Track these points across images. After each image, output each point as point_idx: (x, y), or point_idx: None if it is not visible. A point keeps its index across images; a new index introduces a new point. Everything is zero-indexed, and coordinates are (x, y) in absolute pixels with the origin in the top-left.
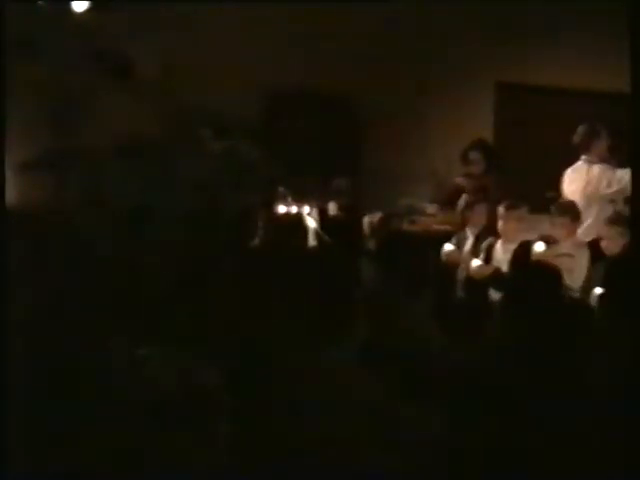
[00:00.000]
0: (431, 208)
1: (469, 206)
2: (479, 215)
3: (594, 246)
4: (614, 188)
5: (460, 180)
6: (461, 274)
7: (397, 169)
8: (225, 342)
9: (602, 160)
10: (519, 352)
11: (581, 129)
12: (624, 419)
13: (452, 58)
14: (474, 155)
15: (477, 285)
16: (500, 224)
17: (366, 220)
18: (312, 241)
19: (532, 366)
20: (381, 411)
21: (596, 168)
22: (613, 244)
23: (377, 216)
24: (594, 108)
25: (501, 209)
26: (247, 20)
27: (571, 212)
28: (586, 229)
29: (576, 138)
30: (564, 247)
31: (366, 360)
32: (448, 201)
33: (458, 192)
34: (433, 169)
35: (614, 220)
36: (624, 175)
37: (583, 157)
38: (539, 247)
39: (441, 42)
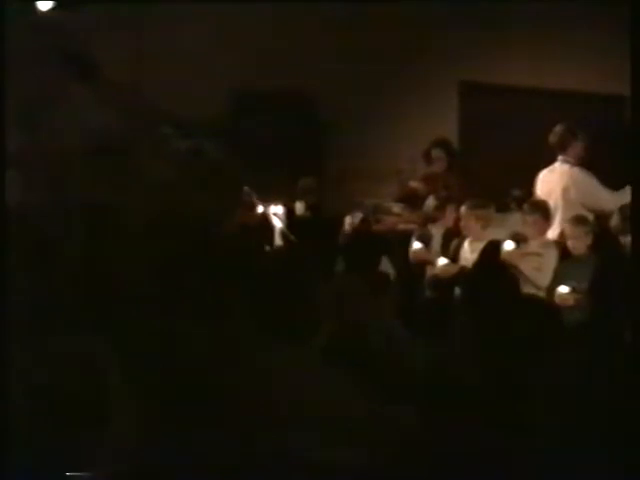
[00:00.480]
0: (397, 207)
1: (441, 206)
2: (447, 214)
3: (562, 245)
4: (583, 196)
5: (415, 184)
6: (428, 273)
7: (363, 168)
8: (189, 339)
9: (578, 161)
10: (483, 350)
11: (557, 129)
12: (590, 416)
13: (417, 57)
14: (437, 153)
15: (444, 284)
16: (464, 223)
17: (347, 220)
18: (278, 241)
19: (495, 365)
20: (348, 409)
21: (570, 170)
22: (579, 243)
23: (358, 216)
24: (559, 107)
25: (466, 208)
26: (214, 20)
27: (543, 210)
28: (555, 229)
29: (552, 138)
30: (533, 246)
31: (332, 359)
32: (407, 200)
33: (417, 192)
34: (398, 168)
35: (579, 220)
36: (595, 187)
37: (560, 157)
38: (508, 246)
39: (406, 41)
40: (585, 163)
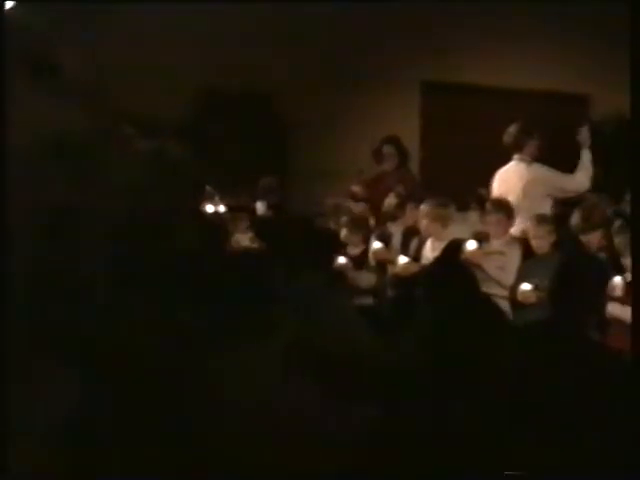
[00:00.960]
0: (357, 207)
1: (401, 204)
2: (408, 212)
3: (525, 244)
4: (548, 188)
5: (355, 188)
6: (389, 272)
7: (324, 168)
8: (147, 341)
9: (534, 159)
10: (443, 350)
11: (512, 129)
12: (544, 416)
13: (378, 57)
14: (388, 149)
15: (404, 282)
16: (424, 223)
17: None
18: (240, 240)
19: (456, 365)
20: (311, 409)
21: (529, 167)
22: (542, 242)
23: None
24: (520, 107)
25: (425, 207)
26: (177, 20)
27: (506, 209)
28: (517, 227)
29: (507, 138)
30: (496, 245)
31: (292, 360)
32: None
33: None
34: (360, 168)
35: (542, 219)
36: (556, 175)
37: (515, 156)
38: (471, 245)
39: (366, 41)
40: (540, 161)
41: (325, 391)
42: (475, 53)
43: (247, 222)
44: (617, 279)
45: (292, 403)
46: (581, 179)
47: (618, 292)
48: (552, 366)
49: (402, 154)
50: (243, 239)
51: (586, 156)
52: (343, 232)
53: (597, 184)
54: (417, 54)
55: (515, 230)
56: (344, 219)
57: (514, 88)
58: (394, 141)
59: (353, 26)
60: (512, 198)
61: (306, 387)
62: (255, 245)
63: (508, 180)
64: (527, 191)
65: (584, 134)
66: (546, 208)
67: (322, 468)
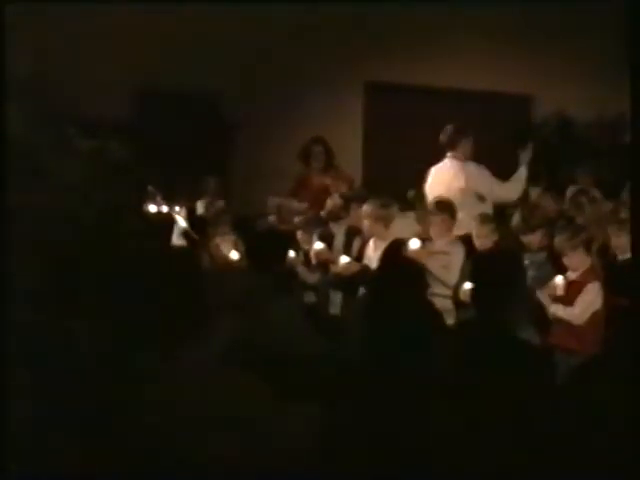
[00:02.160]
0: (299, 207)
1: (346, 204)
2: (354, 213)
3: (468, 243)
4: (480, 187)
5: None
6: (331, 271)
7: (267, 168)
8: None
9: (467, 159)
10: (383, 348)
11: (448, 128)
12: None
13: (320, 58)
14: (317, 148)
15: (346, 282)
16: (366, 223)
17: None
18: (182, 240)
19: (396, 362)
20: (253, 408)
21: (463, 166)
22: (485, 242)
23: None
24: (463, 107)
25: (367, 208)
26: (117, 20)
27: (449, 209)
28: (463, 222)
29: (443, 137)
30: (440, 244)
31: (234, 359)
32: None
33: (319, 191)
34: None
35: (485, 219)
36: (488, 177)
37: (449, 155)
38: (414, 244)
39: (310, 42)
40: (475, 160)
41: (267, 390)
42: (418, 54)
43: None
44: (558, 278)
45: (233, 401)
46: (511, 189)
47: (559, 292)
48: (480, 364)
49: (329, 153)
50: (184, 238)
51: (523, 172)
52: (298, 232)
53: (540, 183)
54: (360, 55)
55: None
56: (299, 219)
57: (457, 88)
58: (321, 141)
59: (295, 26)
60: (446, 196)
61: (247, 386)
62: (196, 245)
63: (442, 177)
64: (461, 189)
65: (526, 153)
66: (478, 206)
67: (263, 466)
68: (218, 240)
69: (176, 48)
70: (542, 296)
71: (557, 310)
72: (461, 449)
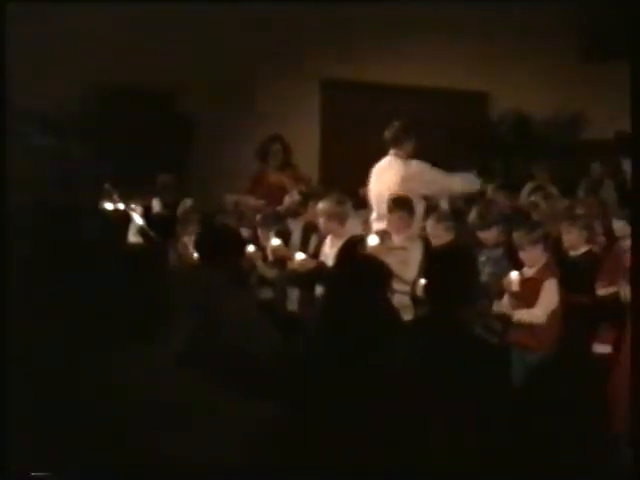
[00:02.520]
0: (256, 204)
1: (303, 202)
2: (311, 209)
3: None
4: (424, 184)
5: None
6: (288, 268)
7: (223, 166)
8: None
9: (410, 157)
10: (339, 347)
11: (394, 125)
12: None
13: (277, 56)
14: (275, 146)
15: (302, 279)
16: (321, 220)
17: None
18: (138, 237)
19: (353, 362)
20: (211, 408)
21: (405, 163)
22: (441, 239)
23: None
24: (420, 104)
25: (323, 205)
26: (78, 16)
27: (407, 207)
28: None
29: (387, 134)
30: (398, 241)
31: (190, 358)
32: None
33: (277, 188)
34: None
35: (441, 216)
36: (434, 172)
37: (392, 152)
38: (372, 241)
39: (266, 40)
40: (420, 157)
41: (225, 389)
42: (375, 51)
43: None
44: (513, 274)
45: (186, 400)
46: (460, 180)
47: (514, 287)
48: (436, 361)
49: (287, 151)
50: (141, 236)
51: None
52: (259, 229)
53: (496, 180)
54: (317, 52)
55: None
56: (258, 216)
57: (414, 86)
58: (278, 139)
59: (256, 25)
60: (387, 193)
61: (207, 386)
62: (152, 242)
63: (384, 175)
64: (402, 186)
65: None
66: (419, 205)
67: (224, 466)
68: (186, 239)
69: (133, 45)
70: (504, 298)
71: (522, 316)
72: (415, 448)
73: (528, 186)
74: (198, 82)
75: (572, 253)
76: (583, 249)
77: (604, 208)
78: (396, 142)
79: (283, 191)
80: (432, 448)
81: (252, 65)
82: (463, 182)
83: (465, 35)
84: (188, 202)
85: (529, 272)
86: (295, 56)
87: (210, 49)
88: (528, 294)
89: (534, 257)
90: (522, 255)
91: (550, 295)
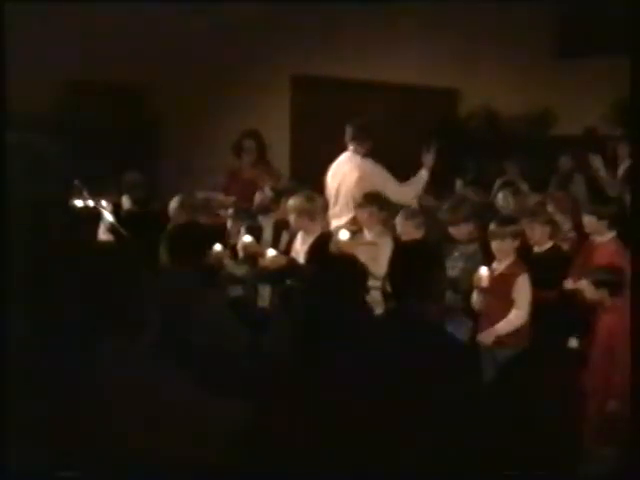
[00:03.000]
0: (227, 200)
1: (276, 198)
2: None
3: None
4: (375, 184)
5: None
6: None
7: (194, 162)
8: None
9: (367, 155)
10: (311, 342)
11: (355, 122)
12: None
13: (246, 53)
14: (248, 143)
15: (273, 275)
16: (292, 217)
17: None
18: (109, 235)
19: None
20: (177, 405)
21: (362, 161)
22: (411, 237)
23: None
24: (390, 101)
25: (294, 201)
26: (44, 16)
27: (377, 202)
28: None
29: (348, 130)
30: (369, 236)
31: (159, 354)
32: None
33: (251, 184)
34: (230, 162)
35: (410, 214)
36: (385, 176)
37: (350, 148)
38: (343, 235)
39: (235, 37)
40: (375, 156)
41: (196, 387)
42: (345, 48)
43: (115, 217)
44: (483, 270)
45: (164, 400)
46: (406, 191)
47: (484, 283)
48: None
49: (261, 147)
50: (111, 233)
51: (424, 174)
52: (228, 223)
53: (467, 176)
54: (287, 49)
55: (340, 219)
56: (229, 213)
57: (385, 82)
58: (254, 135)
59: (224, 22)
60: (344, 188)
61: (177, 383)
62: (123, 239)
63: (342, 171)
64: (358, 183)
65: (429, 157)
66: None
67: (194, 463)
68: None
69: (102, 42)
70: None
71: (503, 328)
72: (385, 443)
73: (498, 182)
74: (167, 79)
75: (537, 249)
76: (548, 245)
77: (574, 203)
78: (356, 139)
79: (257, 187)
80: (401, 442)
81: (221, 62)
82: (405, 193)
83: (435, 32)
84: (176, 199)
85: (499, 267)
86: (265, 53)
87: (179, 47)
88: (498, 290)
89: (507, 250)
90: (495, 246)
91: (526, 291)
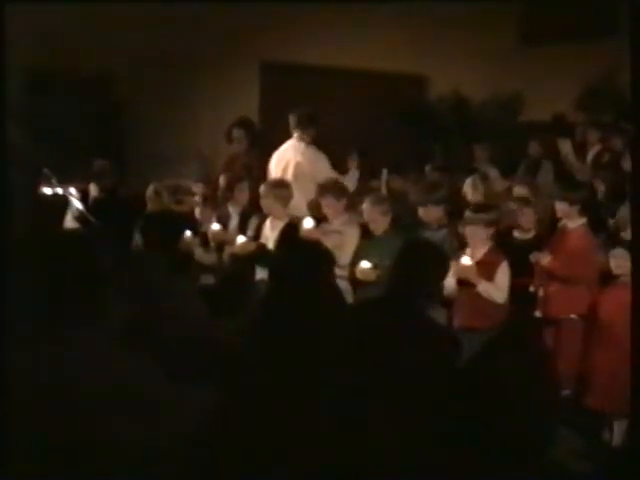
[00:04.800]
0: (197, 187)
1: (230, 185)
2: (241, 193)
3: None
4: (314, 172)
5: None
6: (227, 252)
7: (163, 149)
8: None
9: (311, 142)
10: (281, 330)
11: (299, 110)
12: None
13: (215, 39)
14: (237, 133)
15: (242, 262)
16: (264, 202)
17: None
18: (77, 222)
19: (294, 345)
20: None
21: (303, 148)
22: (378, 224)
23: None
24: (359, 87)
25: (265, 187)
26: (12, 3)
27: (335, 191)
28: (301, 204)
29: (292, 117)
30: (334, 224)
31: (127, 342)
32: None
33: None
34: (198, 149)
35: (376, 200)
36: (324, 164)
37: (295, 135)
38: (308, 223)
39: (204, 23)
40: (316, 142)
41: (164, 375)
42: (315, 34)
43: (83, 204)
44: (465, 259)
45: (130, 387)
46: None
47: (469, 274)
48: (388, 344)
49: (251, 136)
50: (79, 221)
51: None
52: (197, 210)
53: (436, 162)
54: (256, 35)
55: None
56: (196, 199)
57: (353, 68)
58: (243, 124)
59: (192, 9)
60: (287, 174)
61: (144, 371)
62: (91, 227)
63: (285, 157)
64: (296, 171)
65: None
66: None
67: (161, 452)
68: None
69: (69, 28)
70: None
71: (487, 287)
72: (360, 434)
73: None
74: (136, 65)
75: (520, 236)
76: (531, 233)
77: (545, 189)
78: (300, 126)
79: (251, 172)
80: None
81: (190, 49)
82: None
83: (404, 17)
84: (152, 187)
85: (477, 255)
86: (233, 39)
87: (147, 32)
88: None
89: (482, 238)
90: (469, 232)
91: (505, 277)
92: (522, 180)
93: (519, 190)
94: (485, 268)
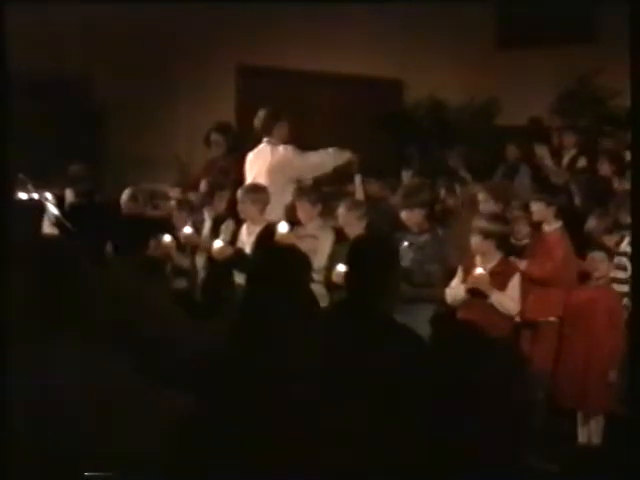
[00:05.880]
0: (173, 192)
1: (211, 192)
2: (221, 201)
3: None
4: (290, 170)
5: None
6: (200, 257)
7: (140, 154)
8: None
9: (283, 142)
10: (258, 334)
11: (261, 112)
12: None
13: (194, 41)
14: (215, 137)
15: (219, 267)
16: (241, 207)
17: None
18: (54, 228)
19: (272, 348)
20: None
21: (273, 150)
22: (353, 229)
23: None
24: (336, 91)
25: (242, 192)
26: None
27: (309, 195)
28: (274, 208)
29: (256, 122)
30: (309, 228)
31: (107, 344)
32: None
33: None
34: (176, 153)
35: (352, 205)
36: (299, 156)
37: (265, 140)
38: (282, 228)
39: (182, 25)
40: (290, 142)
41: (142, 381)
42: (292, 38)
43: (59, 210)
44: (479, 270)
45: (106, 389)
46: (329, 155)
47: (482, 286)
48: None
49: (230, 141)
50: (56, 227)
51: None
52: (174, 214)
53: (412, 166)
54: (234, 38)
55: (271, 210)
56: (172, 203)
57: (330, 72)
58: (222, 128)
59: (168, 10)
60: (261, 180)
61: (120, 373)
62: (67, 232)
63: (255, 164)
64: (269, 174)
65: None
66: (289, 193)
67: (135, 453)
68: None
69: (48, 30)
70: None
71: (503, 299)
72: (331, 440)
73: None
74: (113, 69)
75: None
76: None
77: (508, 192)
78: (265, 130)
79: (229, 176)
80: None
81: (167, 51)
82: (334, 156)
83: (381, 22)
84: (128, 191)
85: (487, 265)
86: (211, 42)
87: (122, 34)
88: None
89: (489, 248)
90: (475, 242)
91: (518, 288)
92: (485, 186)
93: (483, 196)
94: (496, 279)
